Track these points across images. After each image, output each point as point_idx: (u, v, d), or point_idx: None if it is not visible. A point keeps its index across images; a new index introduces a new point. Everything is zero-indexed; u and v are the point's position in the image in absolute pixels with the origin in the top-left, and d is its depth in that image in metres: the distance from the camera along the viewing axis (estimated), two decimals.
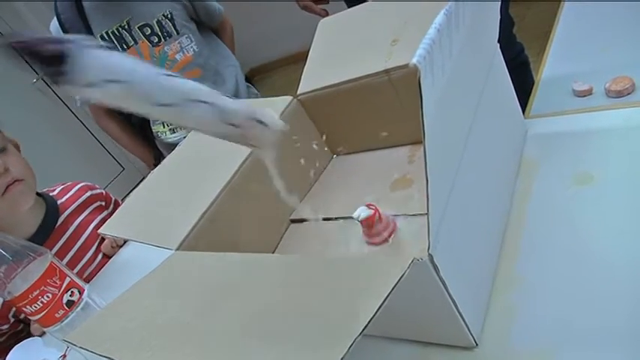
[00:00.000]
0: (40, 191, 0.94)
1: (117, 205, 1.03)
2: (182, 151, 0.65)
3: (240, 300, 0.37)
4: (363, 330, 0.28)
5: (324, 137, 0.67)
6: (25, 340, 0.79)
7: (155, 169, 0.62)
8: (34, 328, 0.81)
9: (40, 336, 0.79)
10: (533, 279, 0.43)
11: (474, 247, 0.43)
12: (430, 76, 0.25)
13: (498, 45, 0.52)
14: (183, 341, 0.35)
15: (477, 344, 0.40)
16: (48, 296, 0.54)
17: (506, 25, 1.04)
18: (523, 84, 0.69)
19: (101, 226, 0.98)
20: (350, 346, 0.27)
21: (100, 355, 0.38)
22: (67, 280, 0.56)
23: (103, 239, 0.94)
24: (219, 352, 0.33)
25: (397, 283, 0.30)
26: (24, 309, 0.54)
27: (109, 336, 0.41)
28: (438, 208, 0.34)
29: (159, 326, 0.39)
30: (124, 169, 3.25)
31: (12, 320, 0.86)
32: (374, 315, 0.28)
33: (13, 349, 0.76)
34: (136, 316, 0.42)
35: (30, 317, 0.56)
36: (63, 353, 0.71)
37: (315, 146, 0.67)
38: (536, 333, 0.39)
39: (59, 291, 0.55)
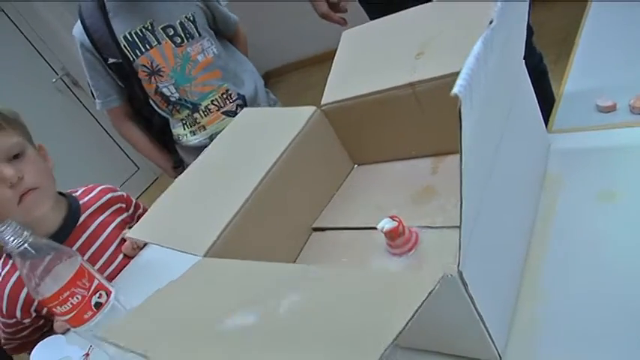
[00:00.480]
0: (63, 191, 0.96)
1: (137, 207, 1.05)
2: (207, 157, 0.66)
3: (268, 308, 0.38)
4: (394, 340, 0.29)
5: (346, 147, 0.68)
6: (48, 338, 0.80)
7: (181, 175, 0.64)
8: (57, 325, 0.83)
9: (62, 334, 0.81)
10: (556, 294, 0.44)
11: (500, 262, 0.43)
12: (469, 103, 0.26)
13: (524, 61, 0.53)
14: (209, 345, 0.36)
15: (500, 358, 0.41)
16: (77, 298, 0.55)
17: (527, 35, 1.04)
18: (544, 93, 0.69)
19: (121, 226, 1.01)
20: (381, 356, 0.28)
21: (135, 352, 0.39)
22: (96, 282, 0.58)
23: (123, 241, 0.95)
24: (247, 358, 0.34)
25: (427, 297, 0.31)
26: (54, 309, 0.56)
27: (140, 335, 0.42)
28: (467, 225, 0.35)
29: (188, 328, 0.40)
30: (138, 168, 3.30)
31: (33, 315, 0.88)
32: (404, 326, 0.29)
33: (37, 346, 0.78)
34: (166, 317, 0.43)
35: (59, 317, 0.58)
36: (86, 352, 0.73)
37: (337, 156, 0.68)
38: (559, 347, 0.40)
39: (88, 293, 0.56)
